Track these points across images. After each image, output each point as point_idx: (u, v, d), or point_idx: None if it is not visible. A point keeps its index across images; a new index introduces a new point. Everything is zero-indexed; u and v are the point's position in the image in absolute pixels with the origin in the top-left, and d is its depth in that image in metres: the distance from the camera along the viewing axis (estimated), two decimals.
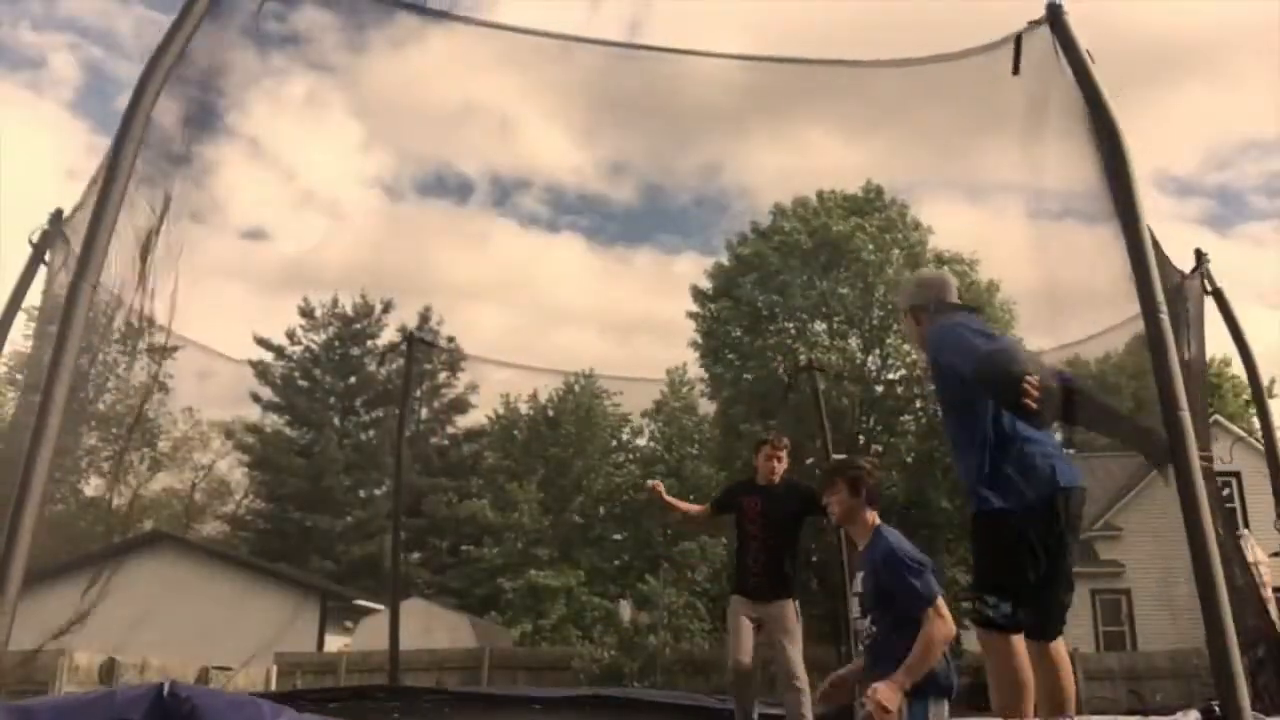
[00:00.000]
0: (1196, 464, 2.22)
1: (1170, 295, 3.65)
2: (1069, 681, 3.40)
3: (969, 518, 3.44)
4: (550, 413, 27.30)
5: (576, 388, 26.43)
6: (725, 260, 19.43)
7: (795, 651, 5.34)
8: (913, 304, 3.74)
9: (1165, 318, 2.24)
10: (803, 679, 5.26)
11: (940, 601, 3.32)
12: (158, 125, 2.76)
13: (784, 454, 5.74)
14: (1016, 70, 3.20)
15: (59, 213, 4.71)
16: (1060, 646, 3.43)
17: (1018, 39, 3.15)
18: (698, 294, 19.43)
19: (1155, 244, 3.53)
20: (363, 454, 32.51)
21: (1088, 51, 2.71)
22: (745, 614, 5.45)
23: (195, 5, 2.61)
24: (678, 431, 24.52)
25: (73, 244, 3.95)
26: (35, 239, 4.73)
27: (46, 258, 4.75)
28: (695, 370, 21.06)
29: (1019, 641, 3.26)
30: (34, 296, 5.07)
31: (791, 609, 5.47)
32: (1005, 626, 3.24)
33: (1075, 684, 3.49)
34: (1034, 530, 3.27)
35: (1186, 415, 2.21)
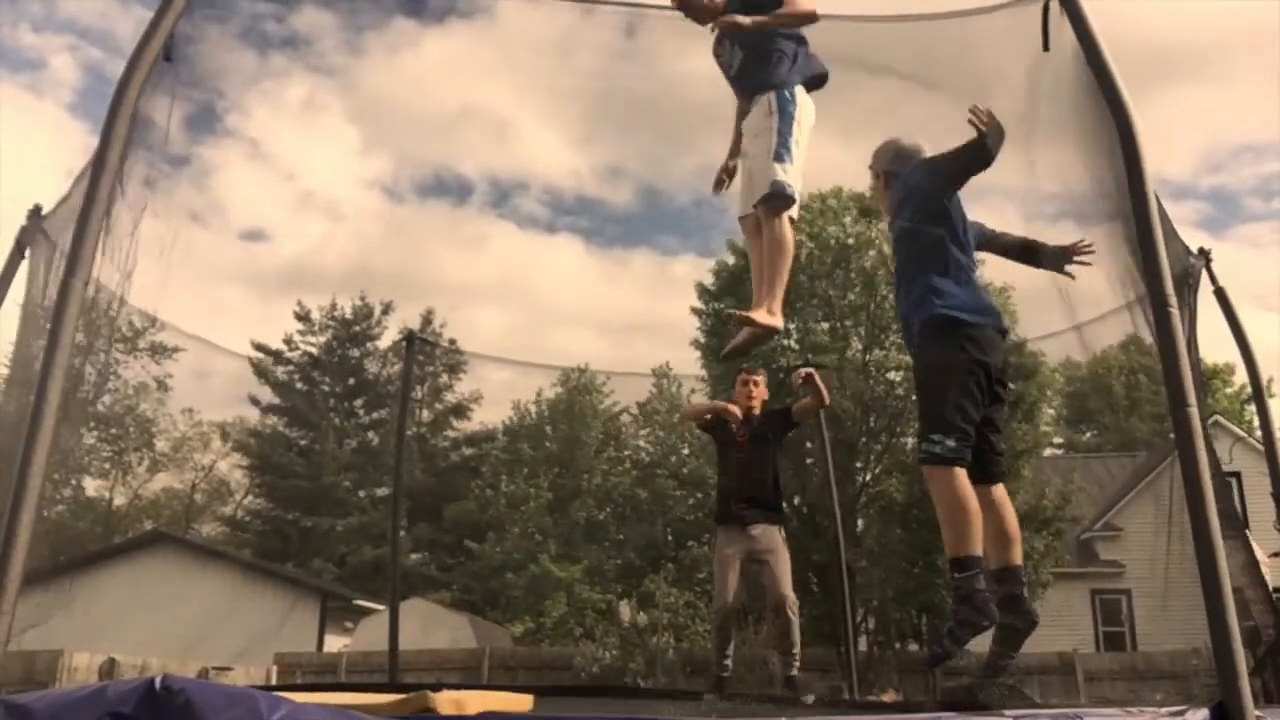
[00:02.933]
0: (1204, 461, 2.21)
1: (1179, 279, 3.68)
2: (1014, 521, 3.67)
3: (923, 324, 3.64)
4: (547, 411, 27.34)
5: (573, 381, 26.46)
6: (729, 259, 19.41)
7: (784, 573, 5.48)
8: (887, 169, 4.00)
9: (1174, 311, 2.23)
10: (793, 600, 5.42)
11: None
12: (153, 122, 2.75)
13: (757, 379, 5.98)
14: (1046, 46, 3.16)
15: (38, 209, 4.70)
16: (1001, 489, 3.69)
17: (1044, 13, 3.09)
18: (703, 291, 19.42)
19: (1165, 218, 3.54)
20: (365, 455, 32.51)
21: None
22: (733, 550, 5.53)
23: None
24: (674, 433, 24.50)
25: (59, 241, 3.93)
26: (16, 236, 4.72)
27: (27, 254, 4.74)
28: (691, 369, 21.01)
29: (963, 474, 3.47)
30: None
31: (779, 534, 5.61)
32: (950, 460, 3.46)
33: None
34: (981, 354, 3.53)
35: (1194, 411, 2.20)
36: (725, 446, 5.91)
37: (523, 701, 4.60)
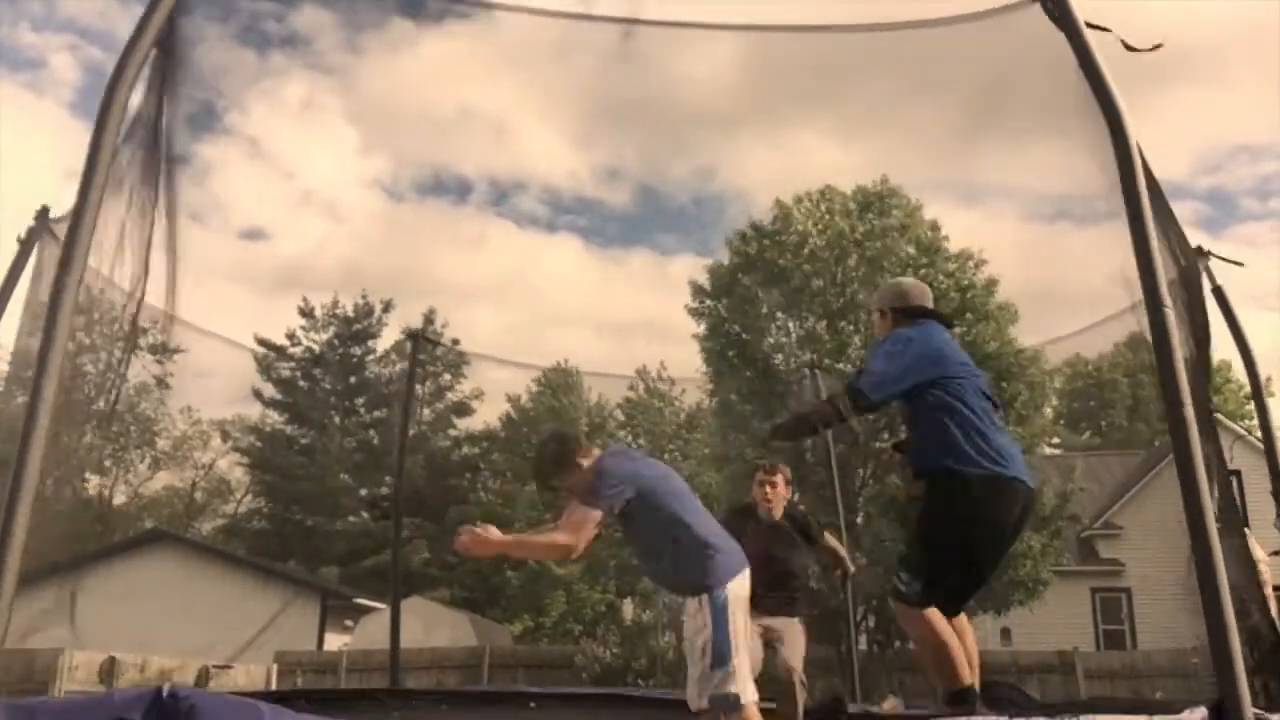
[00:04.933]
0: (1200, 460, 2.21)
1: (1182, 276, 3.68)
2: (973, 644, 3.75)
3: (940, 482, 3.59)
4: (531, 409, 27.42)
5: (551, 381, 26.51)
6: (726, 258, 19.39)
7: (796, 652, 5.17)
8: (892, 306, 4.02)
9: (1169, 311, 2.22)
10: (800, 674, 5.10)
11: (592, 515, 3.44)
12: (148, 120, 2.75)
13: (777, 479, 5.47)
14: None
15: (45, 210, 4.72)
16: (962, 618, 3.77)
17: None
18: (698, 290, 19.37)
19: (1170, 215, 3.53)
20: (366, 453, 32.48)
21: (1088, 24, 2.64)
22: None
23: None
24: (669, 431, 24.49)
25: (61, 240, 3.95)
26: (22, 236, 4.74)
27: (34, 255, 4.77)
28: (686, 369, 21.00)
29: (931, 612, 3.57)
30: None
31: (798, 626, 5.29)
32: (913, 602, 3.57)
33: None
34: (1008, 506, 3.55)
35: (1190, 410, 2.20)
36: (743, 540, 5.61)
37: None
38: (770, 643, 5.17)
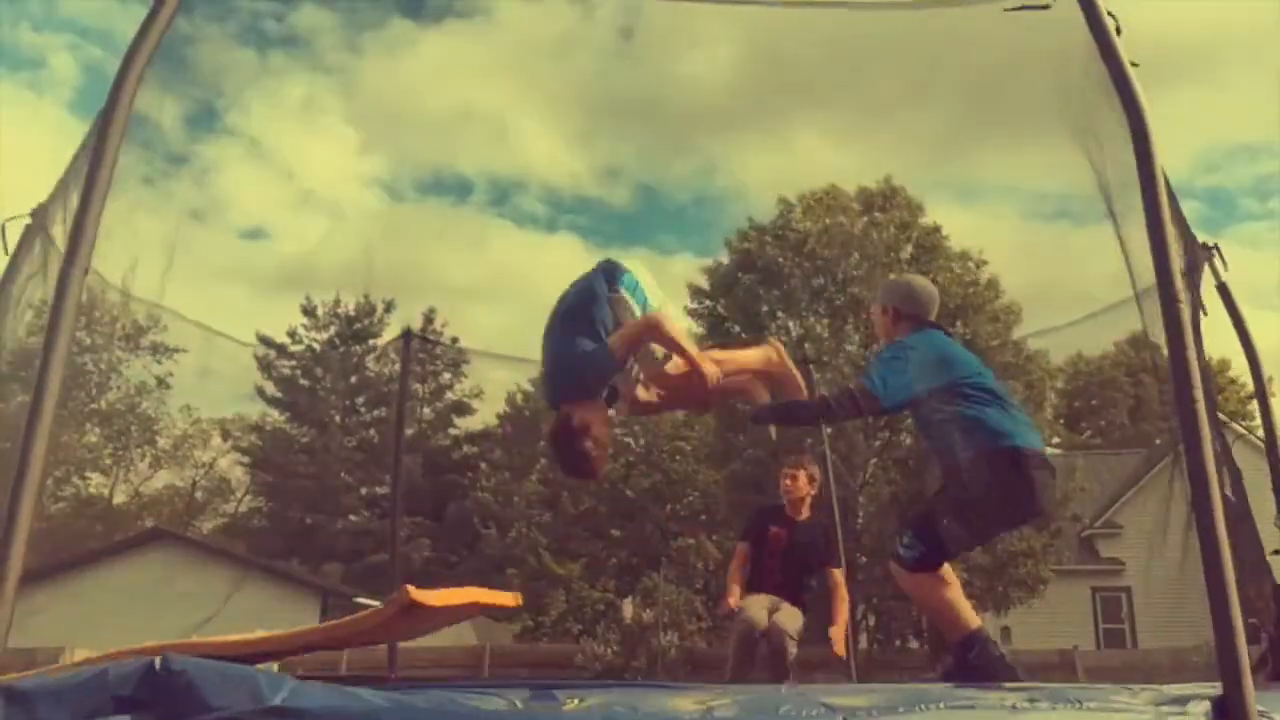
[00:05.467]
0: (1210, 455, 2.20)
1: (1188, 268, 3.68)
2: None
3: (976, 458, 3.49)
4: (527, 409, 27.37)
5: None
6: (725, 258, 19.38)
7: (791, 619, 5.09)
8: (895, 306, 3.92)
9: (1183, 305, 2.22)
10: (791, 635, 5.00)
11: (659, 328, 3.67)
12: (150, 119, 2.74)
13: (798, 475, 5.35)
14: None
15: (41, 207, 4.72)
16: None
17: None
18: (696, 291, 19.35)
19: (1177, 210, 3.52)
20: (368, 453, 32.45)
21: (1110, 13, 2.61)
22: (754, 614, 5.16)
23: None
24: (666, 430, 24.40)
25: (56, 238, 3.94)
26: (19, 231, 4.73)
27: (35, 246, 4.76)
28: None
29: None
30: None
31: (800, 614, 5.21)
32: (913, 566, 3.52)
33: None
34: (1049, 487, 3.55)
35: (1201, 406, 2.19)
36: (757, 552, 5.31)
37: (509, 598, 4.67)
38: (770, 614, 5.13)
